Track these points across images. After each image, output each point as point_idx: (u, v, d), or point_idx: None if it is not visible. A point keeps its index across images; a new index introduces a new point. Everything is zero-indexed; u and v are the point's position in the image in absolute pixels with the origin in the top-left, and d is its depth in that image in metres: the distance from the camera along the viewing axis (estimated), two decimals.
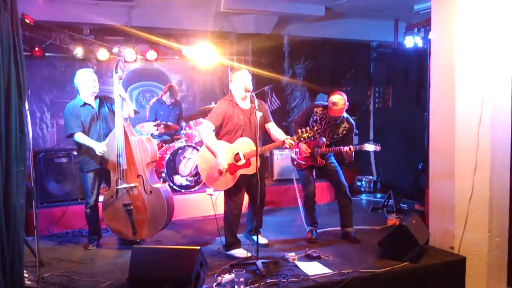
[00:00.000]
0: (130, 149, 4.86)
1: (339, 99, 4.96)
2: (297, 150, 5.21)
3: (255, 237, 4.41)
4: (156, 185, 4.93)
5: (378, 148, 4.94)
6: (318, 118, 5.14)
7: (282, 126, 6.66)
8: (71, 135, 4.83)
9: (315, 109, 5.18)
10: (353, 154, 4.98)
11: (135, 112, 5.28)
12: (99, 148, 4.75)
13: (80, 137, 4.80)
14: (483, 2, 4.31)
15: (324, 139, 5.04)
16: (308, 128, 4.41)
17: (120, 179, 4.82)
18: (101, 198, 5.04)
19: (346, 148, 4.94)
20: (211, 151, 4.48)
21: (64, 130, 4.92)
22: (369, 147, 4.96)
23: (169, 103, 7.40)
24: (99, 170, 4.93)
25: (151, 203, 4.86)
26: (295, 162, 5.28)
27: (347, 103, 5.02)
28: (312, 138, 4.67)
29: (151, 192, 4.86)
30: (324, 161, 5.12)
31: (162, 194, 4.86)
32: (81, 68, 5.14)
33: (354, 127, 5.25)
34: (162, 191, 4.90)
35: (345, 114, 5.14)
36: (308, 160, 5.14)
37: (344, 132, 5.17)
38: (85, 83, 4.87)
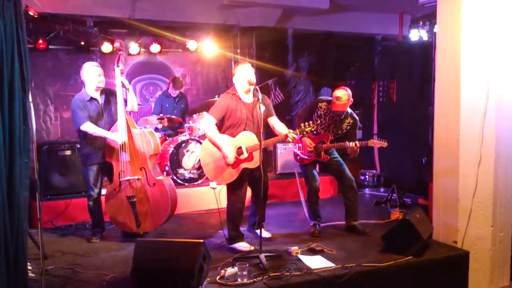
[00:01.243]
0: (133, 141, 4.87)
1: (342, 94, 4.93)
2: (300, 145, 5.19)
3: (258, 231, 4.41)
4: (159, 178, 4.93)
5: (385, 144, 4.86)
6: (322, 113, 5.12)
7: (286, 120, 6.65)
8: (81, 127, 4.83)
9: (320, 104, 5.15)
10: (358, 149, 4.96)
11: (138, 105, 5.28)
12: (118, 137, 4.75)
13: (90, 127, 4.79)
14: None
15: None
16: (311, 122, 4.39)
17: (123, 172, 4.83)
18: (103, 191, 5.05)
19: (351, 144, 4.90)
20: (215, 145, 4.47)
21: (74, 123, 4.90)
22: (375, 143, 4.90)
23: (174, 95, 7.38)
24: (102, 164, 4.94)
25: (154, 195, 4.86)
26: (298, 157, 5.26)
27: (352, 99, 5.00)
28: (314, 132, 4.65)
29: (154, 184, 4.86)
30: (328, 157, 5.10)
31: (165, 187, 4.87)
32: (85, 60, 5.15)
33: (358, 122, 5.23)
34: (165, 184, 4.90)
35: (349, 110, 5.11)
36: (311, 156, 5.12)
37: (348, 127, 5.15)
38: (91, 77, 4.88)
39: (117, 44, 4.99)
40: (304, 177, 5.30)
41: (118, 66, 4.86)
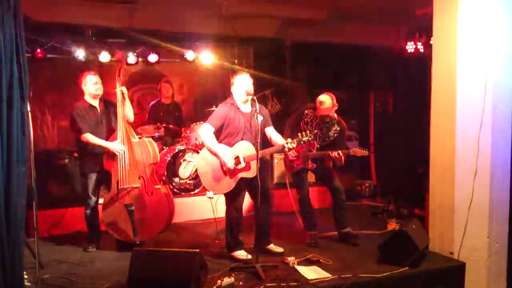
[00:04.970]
0: (132, 150, 4.88)
1: (325, 98, 4.97)
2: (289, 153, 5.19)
3: (272, 246, 4.53)
4: (157, 186, 4.94)
5: (366, 153, 4.90)
6: (308, 120, 5.14)
7: (283, 129, 6.66)
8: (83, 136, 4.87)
9: (306, 111, 5.18)
10: (343, 158, 4.94)
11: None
12: (116, 147, 4.78)
13: (90, 137, 4.83)
14: (484, 8, 4.33)
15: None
16: (308, 131, 4.43)
17: (122, 180, 4.83)
18: (100, 200, 5.05)
19: (334, 153, 4.88)
20: (213, 153, 4.48)
21: (75, 132, 4.94)
22: (357, 152, 4.90)
23: (167, 101, 7.36)
24: (100, 172, 4.96)
25: (152, 204, 4.87)
26: (287, 166, 5.28)
27: (336, 104, 5.02)
28: (311, 141, 4.66)
29: (152, 193, 4.87)
30: (315, 165, 5.10)
31: (163, 196, 4.89)
32: (82, 70, 5.18)
33: (346, 129, 5.24)
34: (163, 193, 4.92)
35: (336, 117, 5.13)
36: (299, 163, 5.13)
37: (336, 134, 5.14)
38: (89, 86, 4.94)
39: (118, 55, 5.05)
40: (294, 186, 5.30)
41: (119, 76, 4.92)
